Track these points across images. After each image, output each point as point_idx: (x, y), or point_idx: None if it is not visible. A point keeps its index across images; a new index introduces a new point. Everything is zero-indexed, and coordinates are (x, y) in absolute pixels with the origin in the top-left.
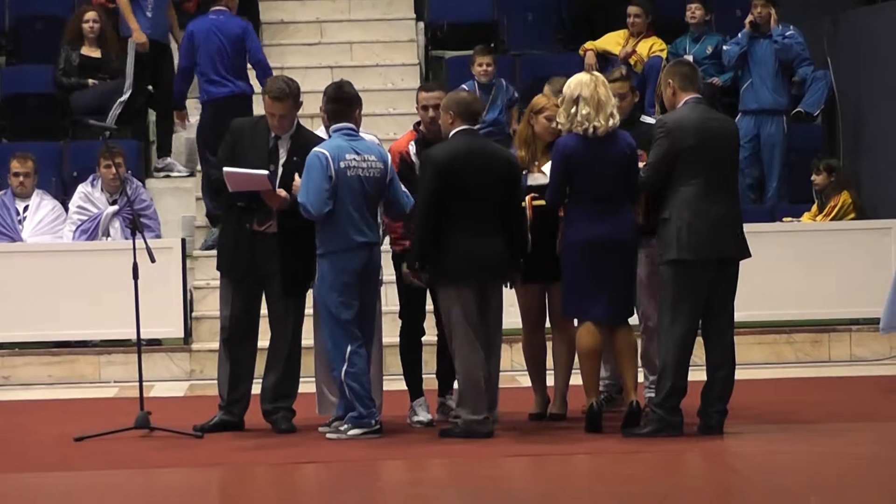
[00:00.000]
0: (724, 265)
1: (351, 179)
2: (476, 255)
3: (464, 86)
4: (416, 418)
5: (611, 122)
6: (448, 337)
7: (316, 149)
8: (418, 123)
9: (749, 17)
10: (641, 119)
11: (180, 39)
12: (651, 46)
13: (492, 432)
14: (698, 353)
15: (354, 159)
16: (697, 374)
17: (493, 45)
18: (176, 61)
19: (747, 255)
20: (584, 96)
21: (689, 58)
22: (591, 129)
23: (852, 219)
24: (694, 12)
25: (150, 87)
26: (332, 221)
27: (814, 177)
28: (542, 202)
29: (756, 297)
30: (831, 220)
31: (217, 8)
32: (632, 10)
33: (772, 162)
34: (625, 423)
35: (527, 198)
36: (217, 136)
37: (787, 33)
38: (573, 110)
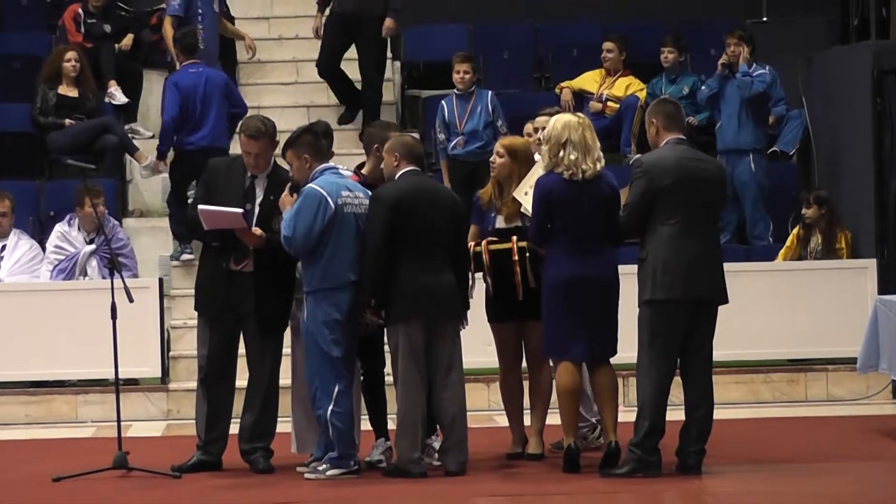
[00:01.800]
0: (700, 306)
1: (347, 217)
2: (426, 290)
3: (442, 101)
4: (366, 459)
5: (598, 166)
6: (393, 372)
7: (312, 185)
8: (360, 167)
9: (722, 59)
10: None
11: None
12: (628, 86)
13: (425, 472)
14: (675, 393)
15: (349, 196)
16: (676, 413)
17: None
18: None
19: (724, 300)
20: (572, 140)
21: None
22: (578, 174)
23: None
24: (667, 55)
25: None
26: (327, 258)
27: (804, 210)
28: (502, 246)
29: (733, 335)
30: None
31: (193, 61)
32: (605, 45)
33: (744, 202)
34: (603, 463)
35: (483, 242)
36: (187, 186)
37: (756, 73)
38: (560, 154)
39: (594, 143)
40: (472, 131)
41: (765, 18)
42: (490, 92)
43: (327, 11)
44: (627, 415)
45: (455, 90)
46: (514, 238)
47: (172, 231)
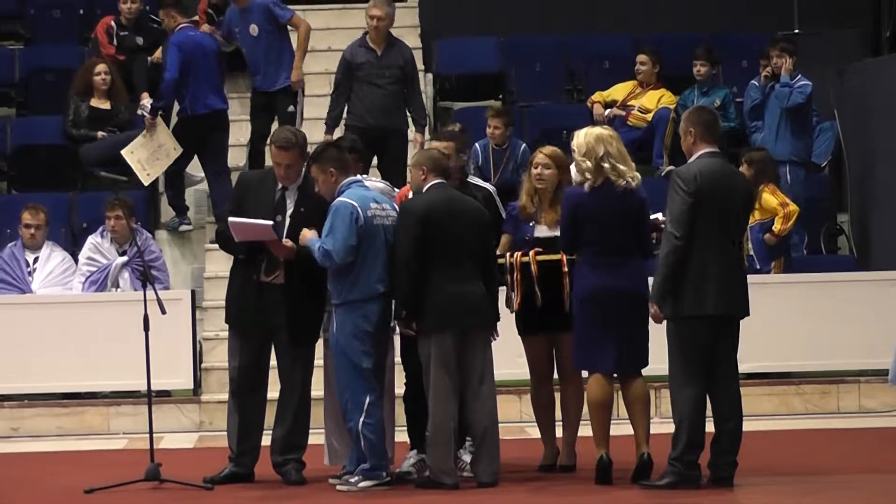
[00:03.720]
0: (728, 320)
1: (376, 228)
2: (458, 301)
3: (476, 144)
4: (397, 470)
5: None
6: (425, 383)
7: (341, 198)
8: None
9: (766, 70)
10: (469, 180)
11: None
12: (660, 98)
13: (457, 484)
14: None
15: (377, 208)
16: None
17: (502, 97)
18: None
19: (747, 313)
20: (610, 153)
21: None
22: (622, 183)
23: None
24: (699, 68)
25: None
26: (356, 270)
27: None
28: (550, 257)
29: (765, 348)
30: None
31: (188, 24)
32: (640, 58)
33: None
34: (636, 475)
35: (530, 252)
36: (190, 149)
37: (798, 84)
38: (605, 166)
39: (627, 152)
40: (503, 185)
41: (796, 31)
42: (524, 145)
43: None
44: (660, 427)
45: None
46: None
47: (170, 203)
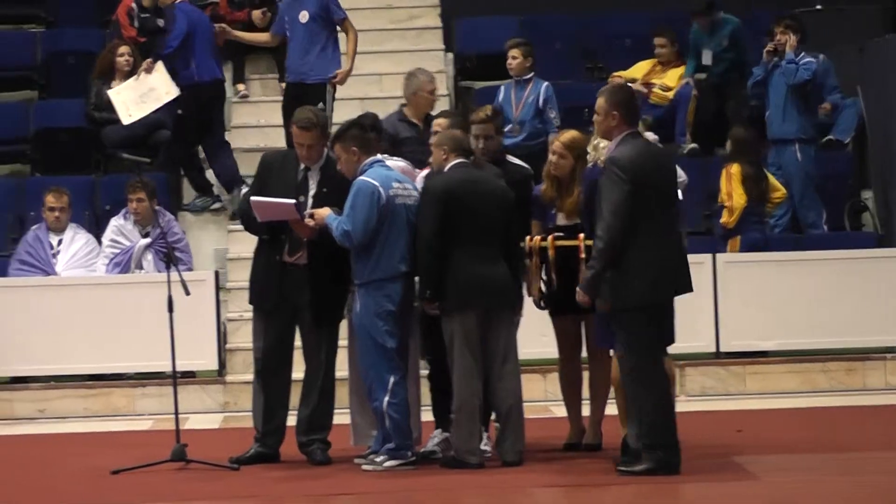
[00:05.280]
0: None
1: (398, 208)
2: (481, 281)
3: (502, 85)
4: (421, 450)
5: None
6: (449, 362)
7: (363, 178)
8: None
9: (768, 47)
10: (508, 159)
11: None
12: (681, 75)
13: (482, 463)
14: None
15: (399, 188)
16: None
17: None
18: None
19: (690, 289)
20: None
21: (709, 54)
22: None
23: (778, 199)
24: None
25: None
26: (379, 250)
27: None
28: (568, 243)
29: (789, 325)
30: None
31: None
32: (657, 41)
33: (793, 191)
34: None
35: (549, 238)
36: (199, 120)
37: (803, 61)
38: (595, 142)
39: None
40: (522, 121)
41: (818, 7)
42: (546, 83)
43: None
44: (685, 405)
45: (513, 78)
46: (582, 236)
47: (193, 185)
